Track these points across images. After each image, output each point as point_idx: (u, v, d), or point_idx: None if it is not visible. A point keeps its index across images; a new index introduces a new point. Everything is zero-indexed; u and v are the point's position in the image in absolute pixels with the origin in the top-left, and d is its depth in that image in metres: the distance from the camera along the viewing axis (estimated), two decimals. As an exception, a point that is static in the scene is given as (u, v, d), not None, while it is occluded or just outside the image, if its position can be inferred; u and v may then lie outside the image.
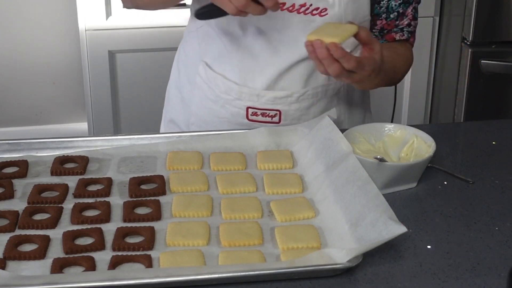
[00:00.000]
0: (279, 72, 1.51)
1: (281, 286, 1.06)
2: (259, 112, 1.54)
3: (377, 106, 3.08)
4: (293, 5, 1.45)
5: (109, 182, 1.32)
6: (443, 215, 1.25)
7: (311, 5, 1.45)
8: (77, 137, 1.46)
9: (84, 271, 1.08)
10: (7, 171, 1.36)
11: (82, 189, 1.29)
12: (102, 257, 1.12)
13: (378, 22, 1.55)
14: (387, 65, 1.43)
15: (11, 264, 1.10)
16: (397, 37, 1.55)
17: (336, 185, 1.26)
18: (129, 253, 1.12)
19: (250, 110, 1.54)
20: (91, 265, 1.09)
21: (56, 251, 1.14)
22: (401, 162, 1.36)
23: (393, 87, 2.87)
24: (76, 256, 1.11)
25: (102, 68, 2.86)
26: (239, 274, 1.06)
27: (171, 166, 1.38)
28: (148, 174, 1.35)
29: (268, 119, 1.54)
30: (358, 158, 1.29)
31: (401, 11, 1.52)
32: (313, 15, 1.45)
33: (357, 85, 1.42)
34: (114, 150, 1.43)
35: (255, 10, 1.31)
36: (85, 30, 2.79)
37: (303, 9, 1.45)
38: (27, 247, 1.14)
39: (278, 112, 1.53)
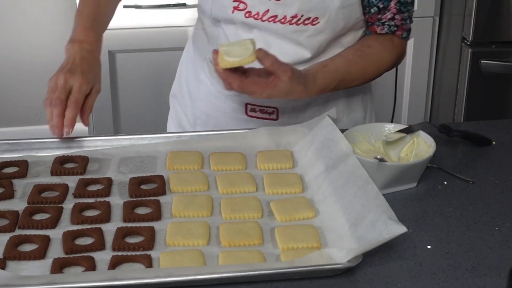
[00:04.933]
0: None
1: (281, 286, 1.06)
2: (257, 108, 1.57)
3: (377, 106, 3.08)
4: (285, 17, 1.47)
5: (109, 182, 1.32)
6: (443, 215, 1.25)
7: (302, 15, 1.47)
8: (77, 137, 1.46)
9: (84, 271, 1.08)
10: (7, 171, 1.35)
11: (82, 189, 1.29)
12: (102, 257, 1.12)
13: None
14: (331, 75, 1.47)
15: (11, 264, 1.10)
16: (378, 30, 1.56)
17: (336, 185, 1.26)
18: (129, 253, 1.12)
19: (249, 106, 1.57)
20: (91, 265, 1.09)
21: (56, 251, 1.14)
22: (401, 162, 1.36)
23: (393, 87, 2.90)
24: (76, 256, 1.11)
25: (102, 68, 2.85)
26: (239, 274, 1.06)
27: (171, 166, 1.38)
28: (148, 174, 1.35)
29: (266, 115, 1.57)
30: (358, 158, 1.29)
31: (381, 6, 1.52)
32: (305, 24, 1.47)
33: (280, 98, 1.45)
34: (114, 150, 1.43)
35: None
36: (85, 30, 2.78)
37: (295, 20, 1.47)
38: (27, 247, 1.14)
39: (275, 109, 1.56)
